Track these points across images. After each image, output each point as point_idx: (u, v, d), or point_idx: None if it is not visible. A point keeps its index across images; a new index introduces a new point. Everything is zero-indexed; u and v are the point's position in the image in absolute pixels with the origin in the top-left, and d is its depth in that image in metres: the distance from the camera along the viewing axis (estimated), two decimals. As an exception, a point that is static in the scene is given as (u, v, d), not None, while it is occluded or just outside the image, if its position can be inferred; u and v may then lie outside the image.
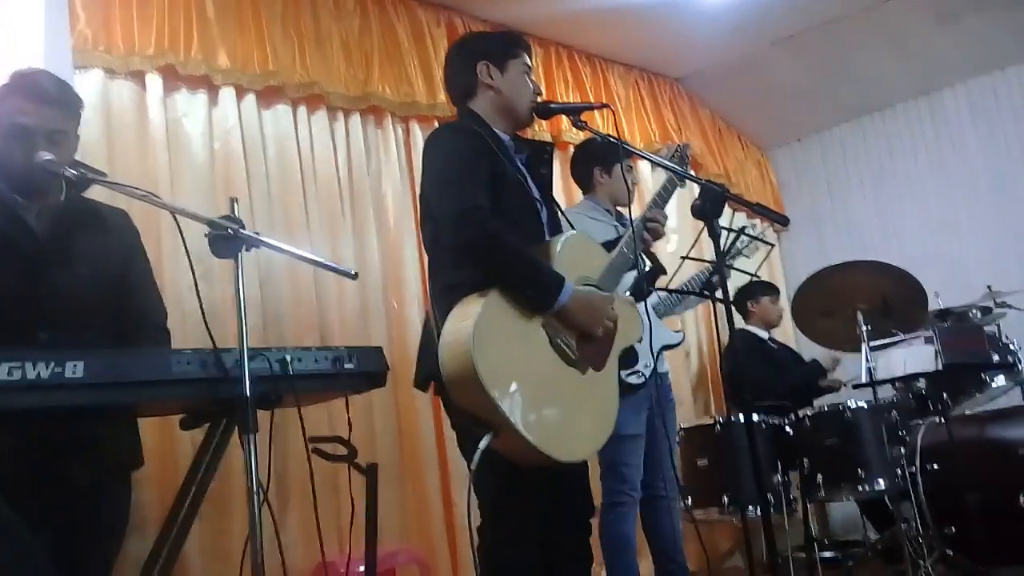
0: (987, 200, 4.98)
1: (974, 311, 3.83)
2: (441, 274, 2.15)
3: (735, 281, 4.55)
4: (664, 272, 3.23)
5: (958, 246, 4.98)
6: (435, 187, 2.13)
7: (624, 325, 2.23)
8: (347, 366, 2.02)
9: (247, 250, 1.78)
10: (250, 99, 3.42)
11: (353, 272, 1.95)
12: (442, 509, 3.50)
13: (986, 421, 3.61)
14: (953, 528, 3.34)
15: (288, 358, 1.89)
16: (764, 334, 4.63)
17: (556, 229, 2.31)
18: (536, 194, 2.25)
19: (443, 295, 2.06)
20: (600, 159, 3.25)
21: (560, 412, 2.00)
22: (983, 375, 3.68)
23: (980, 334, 3.48)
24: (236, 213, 1.79)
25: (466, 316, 1.92)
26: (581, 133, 4.02)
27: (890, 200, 5.34)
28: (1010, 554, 3.27)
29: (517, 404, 1.88)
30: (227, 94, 3.35)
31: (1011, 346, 3.64)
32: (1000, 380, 3.73)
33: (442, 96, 3.76)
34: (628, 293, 2.54)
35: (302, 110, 3.57)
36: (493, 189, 2.08)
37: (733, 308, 4.66)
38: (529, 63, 2.30)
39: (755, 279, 4.30)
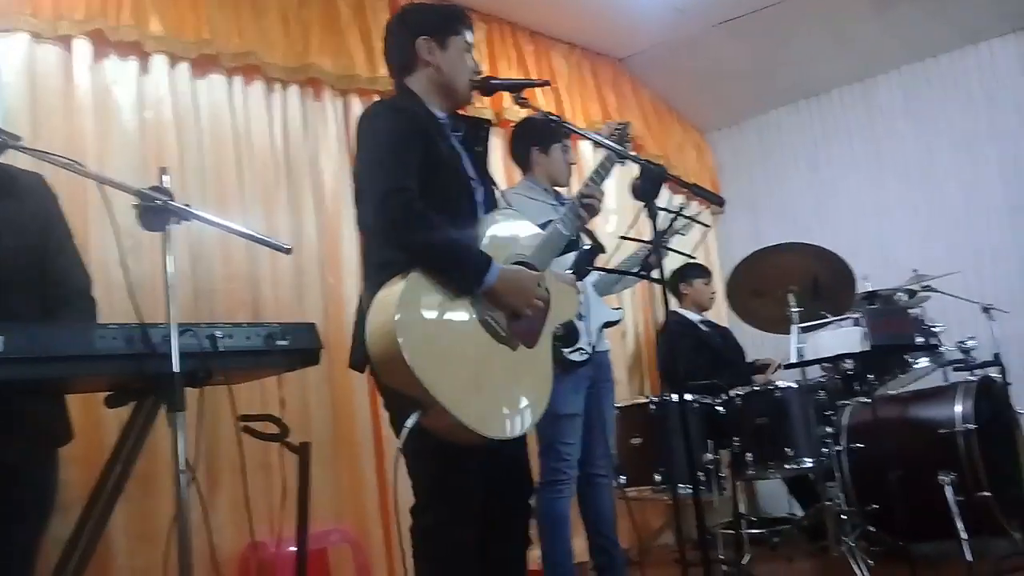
0: (917, 186, 5.12)
1: (900, 294, 3.94)
2: (372, 253, 2.15)
3: (672, 262, 4.61)
4: (603, 251, 3.25)
5: (888, 230, 5.11)
6: (363, 166, 2.12)
7: (558, 303, 2.24)
8: (279, 343, 2.00)
9: (177, 223, 1.75)
10: (183, 68, 3.32)
11: (287, 247, 1.93)
12: (377, 489, 3.48)
13: (909, 401, 3.73)
14: (875, 505, 3.45)
15: (218, 334, 1.86)
16: (696, 317, 4.69)
17: (492, 208, 2.29)
18: (472, 173, 2.24)
19: (373, 275, 2.06)
20: (538, 138, 3.24)
21: (490, 389, 2.01)
22: (907, 357, 3.81)
23: (905, 317, 3.59)
24: (166, 184, 1.75)
25: (391, 296, 1.92)
26: (523, 111, 4.04)
27: (824, 184, 5.45)
28: (927, 530, 3.39)
29: (444, 382, 1.88)
30: (159, 62, 3.25)
31: (934, 328, 3.76)
32: (923, 362, 3.85)
33: (383, 70, 3.69)
34: (570, 271, 2.55)
35: (237, 80, 3.48)
36: (426, 170, 2.07)
37: (667, 290, 4.75)
38: (470, 41, 2.28)
39: (689, 261, 4.36)
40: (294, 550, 2.20)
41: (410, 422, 1.88)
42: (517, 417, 2.06)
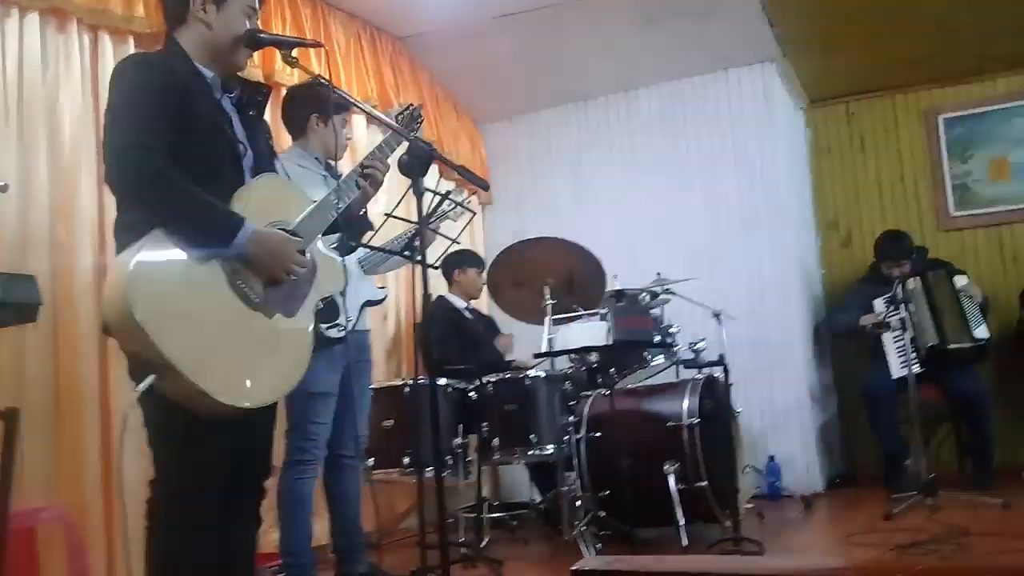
0: (665, 196, 5.48)
1: (644, 295, 4.21)
2: (119, 212, 2.02)
3: (440, 246, 4.63)
4: (371, 227, 3.20)
5: (637, 234, 5.42)
6: (107, 122, 1.99)
7: (324, 274, 2.18)
8: (-11, 294, 1.78)
9: None
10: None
11: (3, 183, 1.72)
12: (100, 464, 3.19)
13: (643, 395, 3.98)
14: (607, 491, 3.66)
15: (-87, 280, 1.62)
16: (462, 304, 4.75)
17: (263, 172, 2.19)
18: (242, 137, 2.13)
19: (119, 236, 1.96)
20: (318, 106, 3.12)
21: (234, 356, 1.92)
22: (645, 353, 4.07)
23: (647, 316, 3.83)
24: None
25: (126, 257, 1.82)
26: (296, 76, 3.87)
27: (585, 185, 5.69)
28: (651, 515, 3.65)
29: (181, 346, 1.80)
30: None
31: (670, 329, 4.05)
32: (660, 359, 4.14)
33: (141, 8, 3.41)
34: (334, 246, 2.47)
35: (-35, -1, 3.05)
36: (182, 128, 1.97)
37: (441, 274, 4.77)
38: (254, 5, 2.15)
39: (465, 249, 4.40)
40: (-9, 529, 1.97)
41: (143, 385, 1.79)
42: (263, 387, 1.96)
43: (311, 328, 2.12)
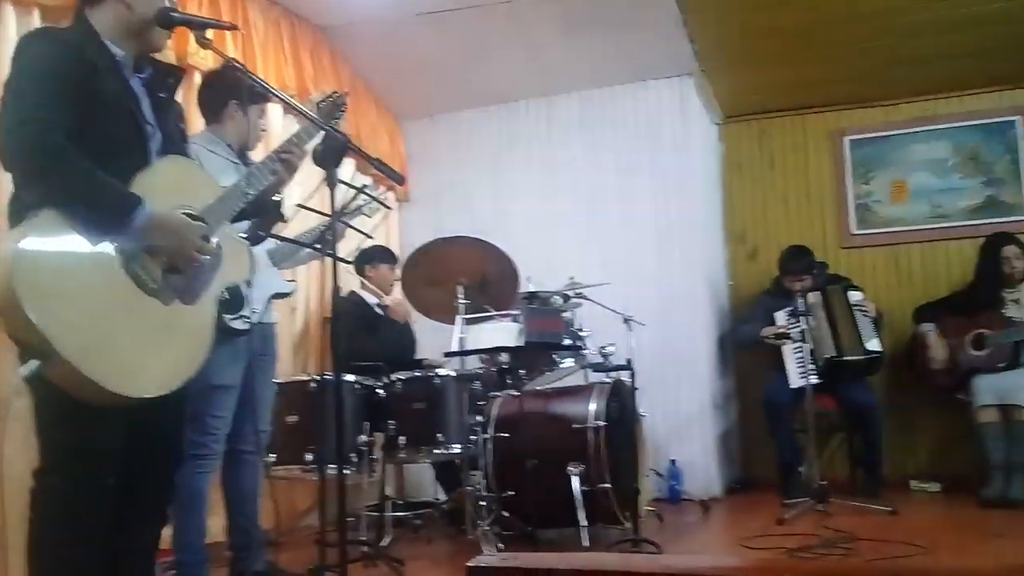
0: (582, 202, 5.53)
1: (556, 298, 4.24)
2: (15, 190, 1.95)
3: (353, 240, 4.57)
4: (284, 219, 3.15)
5: (553, 238, 5.46)
6: (6, 95, 1.93)
7: (230, 263, 2.12)
8: None
9: None
10: None
11: None
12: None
13: (551, 397, 4.01)
14: (511, 492, 3.67)
15: None
16: (373, 300, 4.70)
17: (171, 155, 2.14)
18: (151, 119, 2.09)
19: (11, 213, 1.90)
20: (240, 94, 3.05)
21: (126, 343, 1.85)
22: (555, 355, 4.10)
23: (558, 318, 3.86)
24: None
25: (13, 236, 1.77)
26: (210, 58, 3.77)
27: (503, 188, 5.71)
28: (554, 517, 3.68)
29: (66, 331, 1.74)
30: None
31: (581, 332, 4.09)
32: (569, 362, 4.17)
33: (46, -21, 3.27)
34: (244, 235, 2.42)
35: None
36: (84, 106, 1.92)
37: (354, 270, 4.71)
38: None
39: (377, 244, 4.34)
40: None
41: (24, 370, 1.72)
42: (154, 376, 1.90)
43: (213, 317, 2.06)
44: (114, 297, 1.86)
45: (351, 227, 3.39)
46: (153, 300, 1.92)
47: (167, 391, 1.90)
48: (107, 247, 1.86)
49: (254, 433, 3.16)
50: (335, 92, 2.70)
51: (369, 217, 3.58)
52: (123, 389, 1.80)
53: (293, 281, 3.25)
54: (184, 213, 2.02)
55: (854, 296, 4.95)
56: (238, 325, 2.83)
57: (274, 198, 2.52)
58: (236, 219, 2.25)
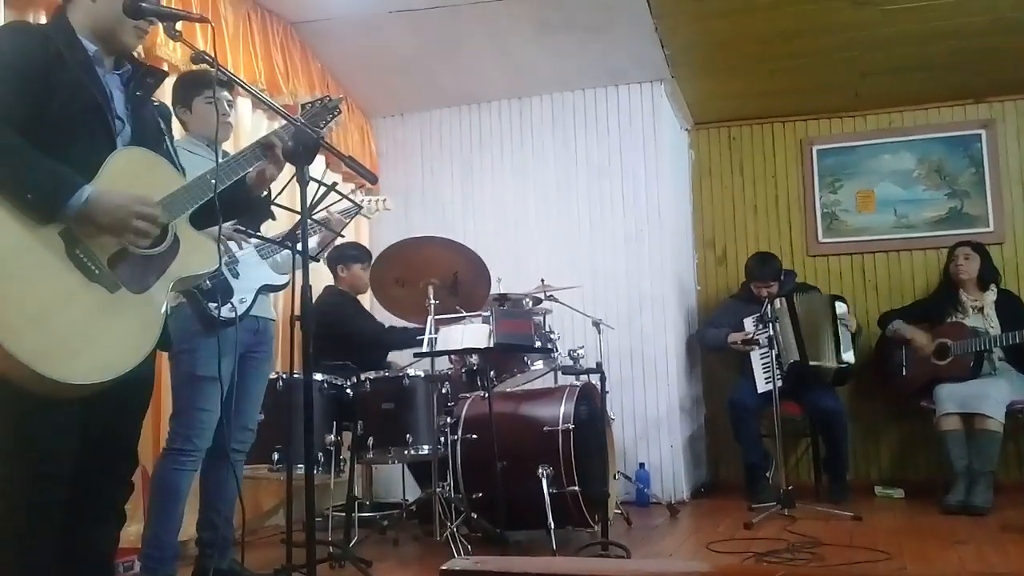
0: (553, 205, 5.53)
1: (527, 300, 4.24)
2: None
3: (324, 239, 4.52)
4: (272, 216, 3.11)
5: (524, 240, 5.46)
6: None
7: (188, 254, 2.07)
8: None
9: None
10: None
11: None
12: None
13: (522, 399, 4.00)
14: (480, 493, 3.65)
15: None
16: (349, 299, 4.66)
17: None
18: (120, 113, 2.07)
19: None
20: (204, 86, 3.01)
21: (62, 328, 1.82)
22: (525, 357, 4.09)
23: (529, 320, 3.85)
24: None
25: None
26: (179, 51, 3.72)
27: (474, 188, 5.69)
28: (523, 519, 3.66)
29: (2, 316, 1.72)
30: None
31: (551, 335, 4.08)
32: (539, 364, 4.17)
33: (13, -34, 3.20)
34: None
35: None
36: (47, 96, 1.93)
37: (327, 269, 4.68)
38: None
39: (350, 243, 4.30)
40: None
41: None
42: (93, 363, 1.84)
43: (164, 308, 2.02)
44: (53, 282, 1.83)
45: (317, 223, 3.38)
46: (96, 286, 1.89)
47: (99, 380, 1.83)
48: (50, 231, 1.85)
49: (244, 430, 3.12)
50: (327, 96, 2.65)
51: (370, 218, 3.55)
52: (51, 372, 1.75)
53: (286, 275, 3.20)
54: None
55: (840, 308, 5.04)
56: (224, 312, 2.78)
57: (263, 195, 2.49)
58: (226, 216, 2.21)
